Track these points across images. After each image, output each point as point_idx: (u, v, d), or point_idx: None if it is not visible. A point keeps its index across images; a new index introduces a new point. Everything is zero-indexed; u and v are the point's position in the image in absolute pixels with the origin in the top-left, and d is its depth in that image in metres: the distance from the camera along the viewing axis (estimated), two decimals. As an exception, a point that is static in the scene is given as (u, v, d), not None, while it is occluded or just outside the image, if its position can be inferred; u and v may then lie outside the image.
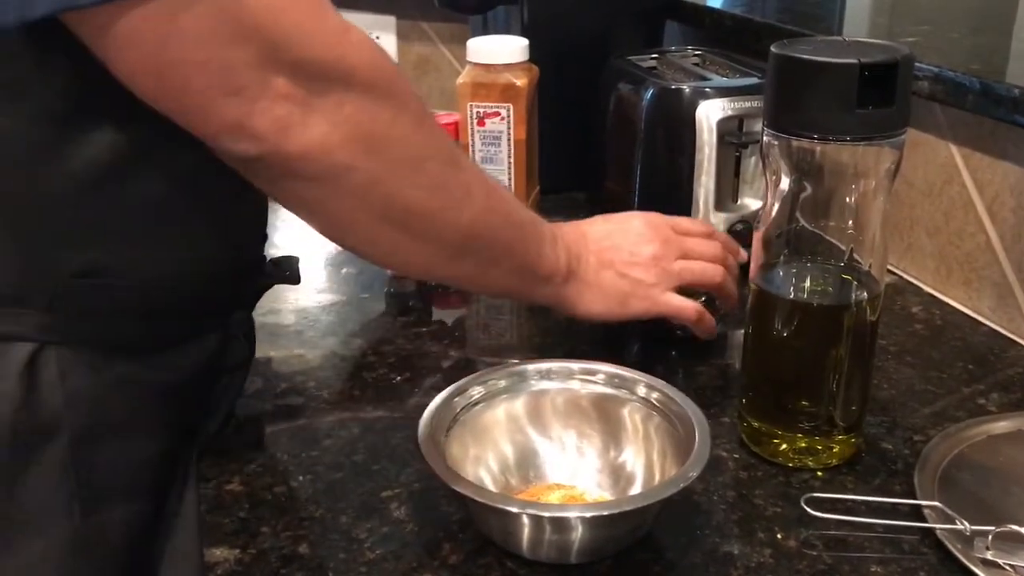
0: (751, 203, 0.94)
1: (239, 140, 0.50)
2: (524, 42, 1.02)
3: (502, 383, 0.64)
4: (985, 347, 0.81)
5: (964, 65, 0.83)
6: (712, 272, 0.76)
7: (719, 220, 0.93)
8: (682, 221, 0.79)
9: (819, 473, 0.64)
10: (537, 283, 0.68)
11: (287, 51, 0.48)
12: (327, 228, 0.59)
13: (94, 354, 0.55)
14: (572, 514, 0.54)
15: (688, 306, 0.75)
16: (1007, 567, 0.55)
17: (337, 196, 0.55)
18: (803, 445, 0.65)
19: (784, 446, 0.65)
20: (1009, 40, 1.06)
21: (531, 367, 0.64)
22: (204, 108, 0.49)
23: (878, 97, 0.56)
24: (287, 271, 0.73)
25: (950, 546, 0.56)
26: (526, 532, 0.55)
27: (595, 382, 0.64)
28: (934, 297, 0.91)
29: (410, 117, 0.56)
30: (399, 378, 0.77)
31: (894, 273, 0.95)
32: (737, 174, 0.94)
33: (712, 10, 1.20)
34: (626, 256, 0.73)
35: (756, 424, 0.66)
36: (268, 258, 0.72)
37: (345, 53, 0.51)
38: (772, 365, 0.66)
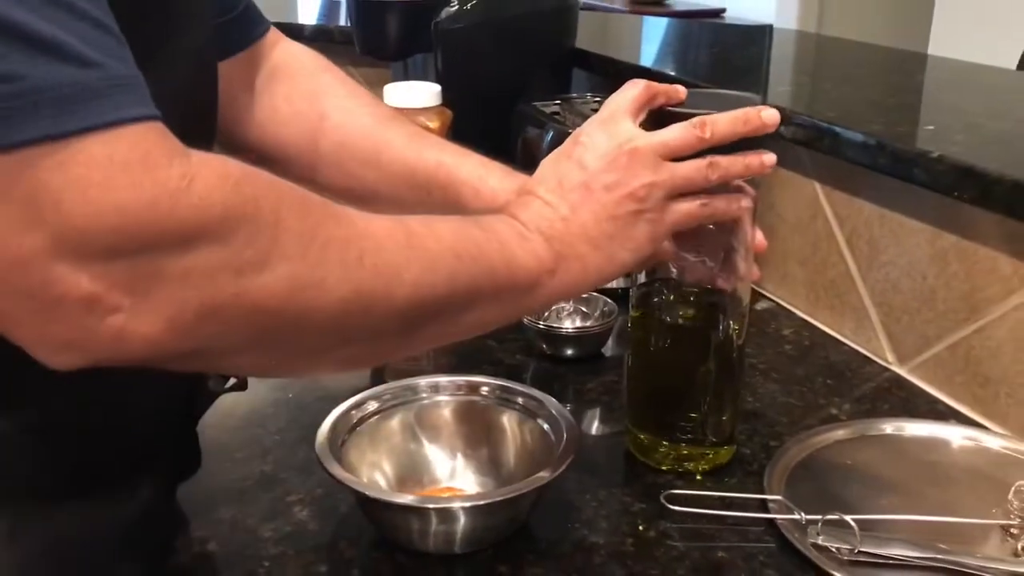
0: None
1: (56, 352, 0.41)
2: (436, 88, 1.10)
3: (396, 396, 0.70)
4: (844, 365, 0.90)
5: (822, 113, 0.92)
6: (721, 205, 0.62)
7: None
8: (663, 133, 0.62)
9: (680, 471, 0.72)
10: (525, 296, 0.55)
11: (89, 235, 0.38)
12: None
13: None
14: (455, 505, 0.61)
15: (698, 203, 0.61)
16: (834, 549, 0.63)
17: (227, 358, 0.46)
18: (684, 453, 0.72)
19: (669, 455, 0.72)
20: (913, 94, 1.16)
21: (422, 382, 0.72)
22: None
23: (731, 143, 0.64)
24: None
25: (787, 534, 0.64)
26: (414, 524, 0.61)
27: (480, 394, 0.71)
28: (805, 321, 1.00)
29: (292, 238, 0.43)
30: (312, 398, 0.83)
31: (771, 300, 1.04)
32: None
33: (615, 61, 1.29)
34: (604, 192, 0.57)
35: (641, 436, 0.73)
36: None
37: (176, 210, 0.39)
38: (650, 382, 0.74)
